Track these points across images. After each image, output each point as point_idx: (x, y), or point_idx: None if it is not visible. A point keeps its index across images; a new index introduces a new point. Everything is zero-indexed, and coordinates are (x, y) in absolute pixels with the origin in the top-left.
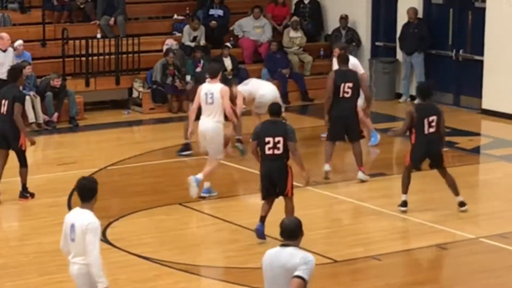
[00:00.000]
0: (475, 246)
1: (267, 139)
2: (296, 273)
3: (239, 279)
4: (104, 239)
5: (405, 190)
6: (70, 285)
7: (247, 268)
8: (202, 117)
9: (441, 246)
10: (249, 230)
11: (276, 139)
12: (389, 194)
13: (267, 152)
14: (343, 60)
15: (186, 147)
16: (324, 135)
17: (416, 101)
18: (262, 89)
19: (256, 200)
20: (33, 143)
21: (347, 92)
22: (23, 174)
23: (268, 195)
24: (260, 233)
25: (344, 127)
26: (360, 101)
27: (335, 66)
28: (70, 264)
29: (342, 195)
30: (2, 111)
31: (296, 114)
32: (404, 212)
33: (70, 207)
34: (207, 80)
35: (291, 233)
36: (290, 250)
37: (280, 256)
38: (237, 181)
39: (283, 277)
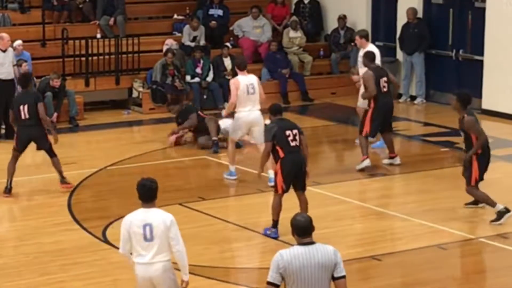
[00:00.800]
0: (475, 246)
1: (287, 132)
2: (340, 273)
3: (239, 279)
4: (104, 239)
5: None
6: (70, 285)
7: (247, 268)
8: (247, 108)
9: (441, 246)
10: (249, 230)
11: (294, 131)
12: (389, 194)
13: (292, 144)
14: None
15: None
16: (358, 140)
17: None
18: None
19: (256, 200)
20: (56, 141)
21: (385, 87)
22: (57, 163)
23: (288, 189)
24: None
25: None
26: (361, 101)
27: (361, 54)
28: (148, 266)
29: (342, 195)
30: (23, 117)
31: (296, 114)
32: None
33: (70, 207)
34: (240, 73)
35: (310, 229)
36: (318, 247)
37: (313, 254)
38: (237, 181)
39: (319, 276)
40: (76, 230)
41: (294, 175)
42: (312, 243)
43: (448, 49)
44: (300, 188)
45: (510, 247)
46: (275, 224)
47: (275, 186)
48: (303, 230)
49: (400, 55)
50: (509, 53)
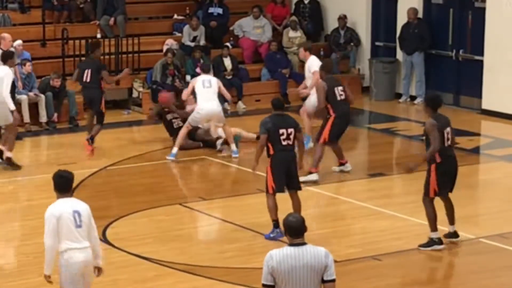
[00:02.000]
0: (475, 246)
1: (281, 131)
2: (330, 277)
3: (239, 279)
4: (104, 239)
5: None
6: None
7: (247, 268)
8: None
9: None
10: (249, 230)
11: (289, 130)
12: (389, 194)
13: (283, 143)
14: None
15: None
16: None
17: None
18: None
19: (256, 200)
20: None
21: (342, 95)
22: (97, 129)
23: (280, 189)
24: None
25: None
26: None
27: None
28: (84, 250)
29: (342, 195)
30: (85, 79)
31: (296, 114)
32: None
33: None
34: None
35: (302, 230)
36: (308, 248)
37: (303, 256)
38: (237, 181)
39: (309, 277)
40: None
41: (285, 174)
42: (303, 244)
43: (448, 49)
44: (293, 187)
45: (510, 247)
46: (276, 224)
47: (266, 187)
48: (295, 231)
49: (400, 55)
50: (509, 53)
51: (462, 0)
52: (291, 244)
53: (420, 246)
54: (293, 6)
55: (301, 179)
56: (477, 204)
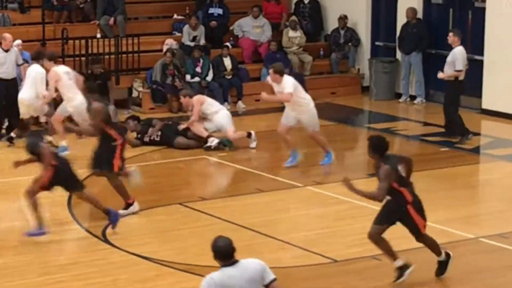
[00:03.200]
0: (475, 246)
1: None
2: (271, 277)
3: None
4: (104, 239)
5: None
6: (70, 285)
7: None
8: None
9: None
10: (249, 230)
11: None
12: None
13: None
14: None
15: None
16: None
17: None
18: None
19: (256, 200)
20: None
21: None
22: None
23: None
24: None
25: None
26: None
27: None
28: None
29: (342, 195)
30: None
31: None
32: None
33: (70, 207)
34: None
35: (232, 252)
36: (244, 263)
37: (244, 271)
38: (237, 181)
39: None
40: (76, 230)
41: None
42: (237, 261)
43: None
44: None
45: (510, 247)
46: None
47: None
48: (226, 254)
49: (400, 55)
50: (509, 53)
51: (462, 0)
52: (226, 265)
53: (394, 281)
54: (293, 6)
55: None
56: (477, 204)
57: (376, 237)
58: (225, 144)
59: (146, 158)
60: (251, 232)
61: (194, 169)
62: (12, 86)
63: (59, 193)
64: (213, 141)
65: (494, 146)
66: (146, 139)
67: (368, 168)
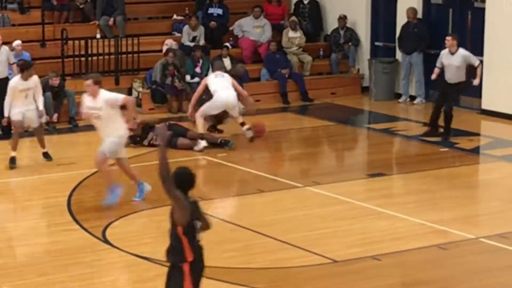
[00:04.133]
0: (475, 246)
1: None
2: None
3: (239, 279)
4: (104, 239)
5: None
6: (70, 285)
7: (247, 268)
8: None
9: (441, 246)
10: (249, 230)
11: None
12: (389, 194)
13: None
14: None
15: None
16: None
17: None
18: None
19: (256, 200)
20: None
21: None
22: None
23: None
24: None
25: None
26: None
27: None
28: None
29: (342, 195)
30: None
31: (296, 114)
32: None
33: (70, 207)
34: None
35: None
36: None
37: None
38: (237, 181)
39: None
40: (76, 230)
41: None
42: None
43: None
44: None
45: (510, 247)
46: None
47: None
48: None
49: (399, 55)
50: (509, 53)
51: (462, 0)
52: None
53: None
54: (293, 6)
55: None
56: (477, 204)
57: None
58: (225, 144)
59: (146, 159)
60: (251, 232)
61: (194, 169)
62: (3, 85)
63: (59, 193)
64: (199, 144)
65: (494, 146)
66: (145, 142)
67: (368, 168)
